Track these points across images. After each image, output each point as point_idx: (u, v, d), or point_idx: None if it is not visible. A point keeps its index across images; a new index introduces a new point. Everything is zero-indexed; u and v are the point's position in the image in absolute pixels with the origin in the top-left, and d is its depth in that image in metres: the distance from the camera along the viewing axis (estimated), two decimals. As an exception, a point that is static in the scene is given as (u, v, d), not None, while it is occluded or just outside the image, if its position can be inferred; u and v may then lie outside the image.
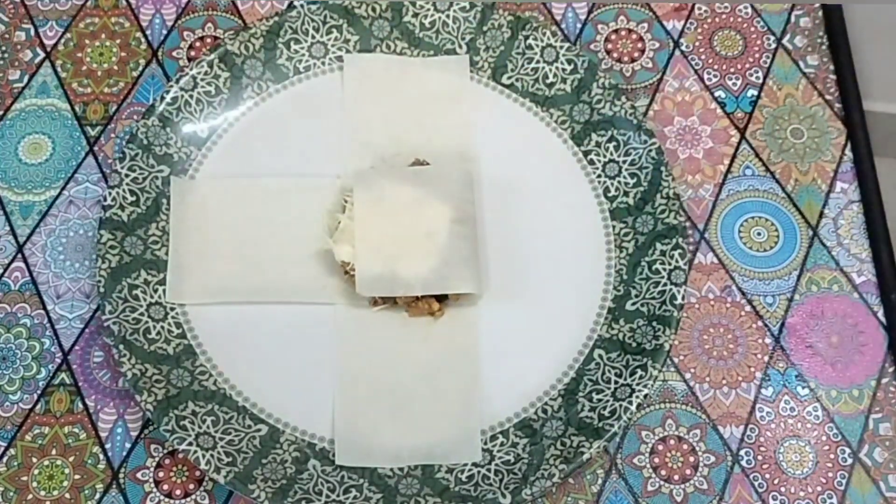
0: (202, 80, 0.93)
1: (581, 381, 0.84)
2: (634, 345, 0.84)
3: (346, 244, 0.86)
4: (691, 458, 0.83)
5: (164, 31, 0.99)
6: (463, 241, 0.86)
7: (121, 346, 0.82)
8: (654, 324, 0.84)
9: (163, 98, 0.91)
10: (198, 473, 0.82)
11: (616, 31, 1.00)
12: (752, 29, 1.00)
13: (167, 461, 0.82)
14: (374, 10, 0.96)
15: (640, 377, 0.82)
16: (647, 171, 0.90)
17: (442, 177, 0.89)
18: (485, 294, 0.87)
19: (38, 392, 0.84)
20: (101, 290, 0.84)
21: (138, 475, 0.82)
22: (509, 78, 0.96)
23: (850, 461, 0.83)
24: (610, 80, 0.93)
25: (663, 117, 0.96)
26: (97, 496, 0.81)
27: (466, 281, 0.85)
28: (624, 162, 0.91)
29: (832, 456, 0.83)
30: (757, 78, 0.98)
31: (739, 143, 0.95)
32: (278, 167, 0.92)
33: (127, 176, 0.88)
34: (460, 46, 0.96)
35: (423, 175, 0.89)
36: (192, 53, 0.98)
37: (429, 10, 0.96)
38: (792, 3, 1.01)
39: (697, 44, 0.99)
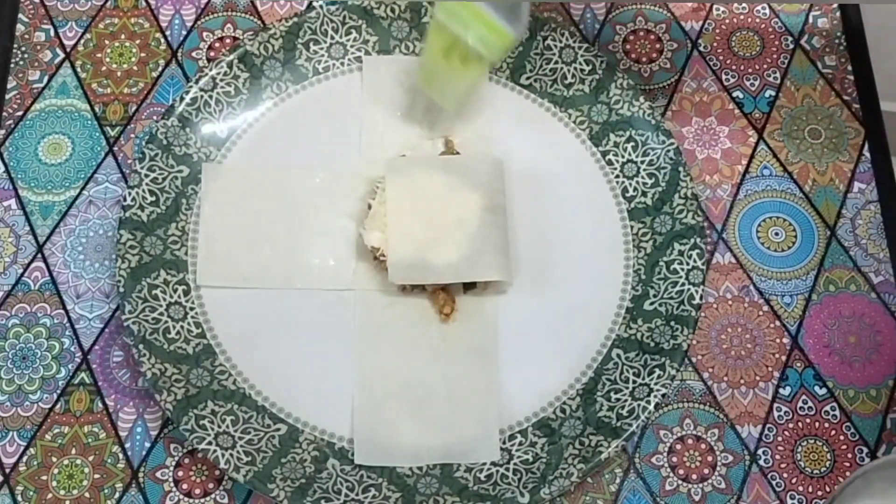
0: (221, 80, 0.93)
1: (599, 380, 0.84)
2: (652, 344, 0.84)
3: (375, 230, 0.86)
4: (709, 458, 0.83)
5: (184, 32, 1.00)
6: (493, 229, 0.87)
7: (140, 346, 0.82)
8: (672, 323, 0.84)
9: (182, 98, 0.92)
10: (217, 472, 0.82)
11: (634, 31, 1.00)
12: (770, 29, 1.00)
13: (186, 460, 0.83)
14: (393, 10, 0.96)
15: (658, 377, 0.82)
16: (665, 171, 0.90)
17: (472, 166, 0.89)
18: (504, 292, 0.88)
19: (58, 391, 0.85)
20: (121, 289, 0.84)
21: (158, 474, 0.82)
22: (528, 78, 0.96)
23: (867, 461, 0.83)
24: (628, 81, 0.93)
25: (681, 117, 0.96)
26: (117, 495, 0.81)
27: (496, 268, 0.86)
28: (642, 162, 0.91)
29: (850, 455, 0.83)
30: (775, 78, 0.98)
31: (757, 144, 0.95)
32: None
33: (146, 176, 0.88)
34: (478, 47, 0.96)
35: (454, 164, 0.89)
36: (212, 54, 0.99)
37: (447, 10, 0.97)
38: (810, 3, 1.01)
39: (715, 44, 0.99)
